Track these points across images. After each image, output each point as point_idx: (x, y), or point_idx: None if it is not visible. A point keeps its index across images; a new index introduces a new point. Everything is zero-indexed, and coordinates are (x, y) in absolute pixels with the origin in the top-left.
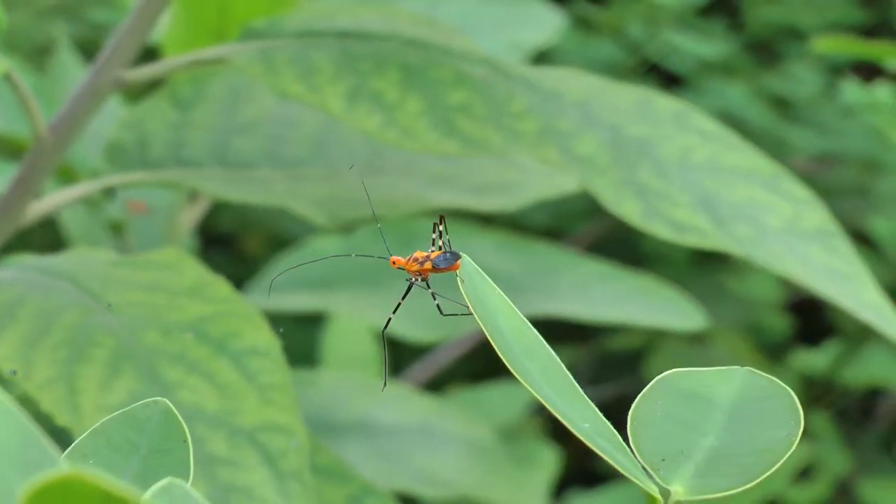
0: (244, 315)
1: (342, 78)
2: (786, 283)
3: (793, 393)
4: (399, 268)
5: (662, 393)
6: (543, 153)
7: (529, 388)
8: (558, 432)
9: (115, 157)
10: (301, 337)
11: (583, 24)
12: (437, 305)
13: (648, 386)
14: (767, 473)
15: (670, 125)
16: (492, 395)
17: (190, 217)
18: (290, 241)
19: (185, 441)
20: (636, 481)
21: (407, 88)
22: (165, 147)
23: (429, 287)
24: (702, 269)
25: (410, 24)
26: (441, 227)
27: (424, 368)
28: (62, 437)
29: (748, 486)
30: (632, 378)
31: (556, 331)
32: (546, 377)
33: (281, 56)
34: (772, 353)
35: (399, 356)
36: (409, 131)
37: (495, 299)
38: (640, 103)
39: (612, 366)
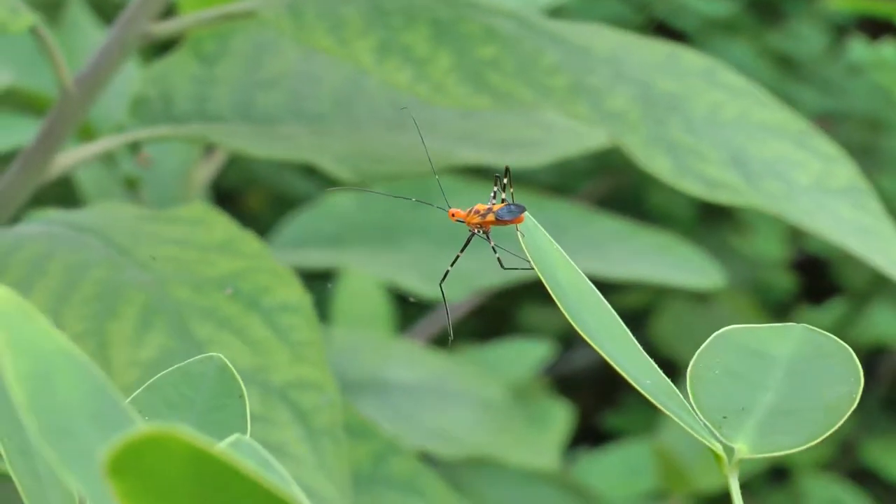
0: (274, 271)
1: (372, 32)
2: (791, 242)
3: (851, 350)
4: (458, 220)
5: (720, 349)
6: (574, 109)
7: (591, 343)
8: (566, 391)
9: (140, 111)
10: (313, 294)
11: None
12: (499, 259)
13: (706, 343)
14: (832, 430)
15: (699, 81)
16: (501, 352)
17: (204, 174)
18: (293, 199)
19: (242, 396)
20: (701, 439)
21: (436, 43)
22: (190, 102)
23: (489, 240)
24: (706, 227)
25: None
26: (505, 180)
27: (430, 325)
28: None
29: (812, 443)
30: (637, 336)
31: None
32: (605, 332)
33: (309, 9)
34: (777, 312)
35: (405, 313)
36: (439, 86)
37: (554, 254)
38: (668, 59)
39: None
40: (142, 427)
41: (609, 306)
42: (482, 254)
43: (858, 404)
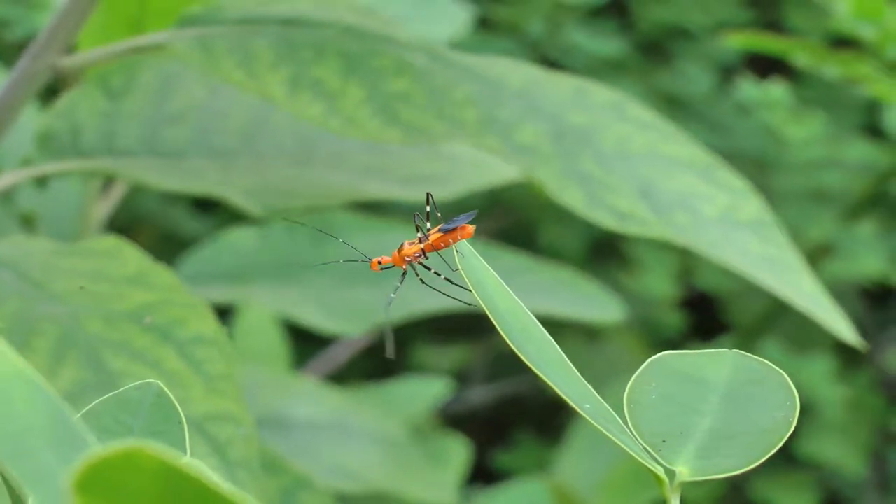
0: (188, 304)
1: (282, 65)
2: (680, 279)
3: (785, 375)
4: (384, 267)
5: (655, 374)
6: (485, 141)
7: (534, 369)
8: (457, 430)
9: (48, 145)
10: None
11: (482, 23)
12: (445, 278)
13: (641, 367)
14: (770, 454)
15: (608, 114)
16: (397, 390)
17: (101, 211)
18: (182, 239)
19: (181, 423)
20: (642, 461)
21: (348, 76)
22: (98, 136)
23: (428, 268)
24: (596, 265)
25: (348, 12)
26: (428, 208)
27: (324, 364)
28: None
29: (751, 466)
30: (527, 376)
31: (449, 328)
32: (545, 359)
33: (220, 43)
34: (667, 350)
35: (298, 351)
36: (352, 119)
37: (491, 280)
38: (577, 93)
39: (507, 364)
40: (111, 444)
41: (546, 333)
42: (383, 287)
43: None
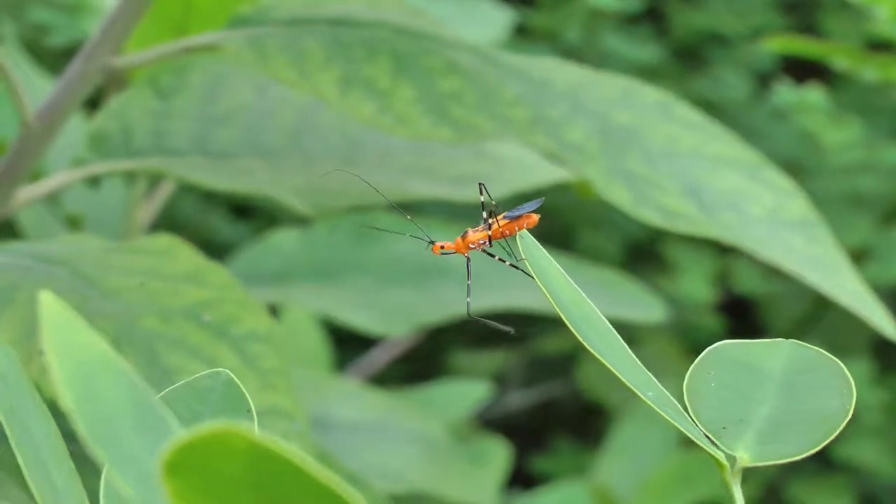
0: (242, 301)
1: (334, 64)
2: (718, 283)
3: (841, 364)
4: (445, 252)
5: (714, 364)
6: (535, 140)
7: (598, 356)
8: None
9: (99, 145)
10: None
11: (518, 30)
12: (511, 264)
13: (699, 357)
14: (827, 440)
15: (655, 114)
16: (438, 393)
17: (145, 214)
18: (219, 245)
19: (249, 410)
20: (705, 447)
21: (398, 76)
22: (148, 136)
23: (493, 255)
24: (634, 269)
25: (398, 12)
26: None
27: (363, 368)
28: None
29: (811, 452)
30: (564, 381)
31: (487, 333)
32: (608, 348)
33: (272, 42)
34: None
35: (338, 355)
36: (403, 118)
37: (553, 270)
38: (625, 93)
39: (545, 369)
40: (199, 425)
41: (608, 323)
42: (425, 288)
43: None
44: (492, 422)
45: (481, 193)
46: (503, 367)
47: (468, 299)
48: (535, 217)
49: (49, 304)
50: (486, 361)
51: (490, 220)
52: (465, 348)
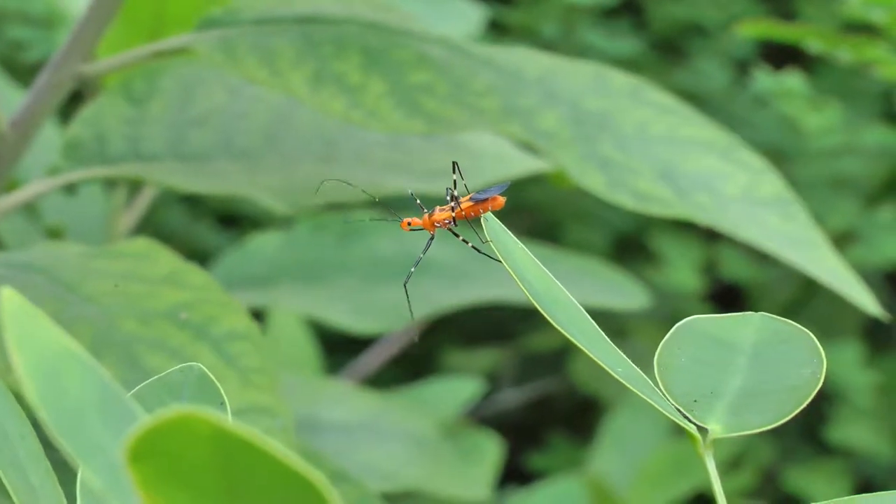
0: (221, 301)
1: (304, 62)
2: (704, 273)
3: (810, 333)
4: (413, 228)
5: (684, 339)
6: (507, 129)
7: (567, 336)
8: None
9: (74, 153)
10: None
11: (492, 27)
12: (473, 246)
13: (669, 333)
14: (799, 409)
15: (626, 99)
16: (429, 391)
17: (126, 224)
18: (204, 253)
19: (223, 403)
20: (676, 420)
21: (369, 70)
22: (123, 142)
23: (457, 235)
24: (621, 261)
25: (367, 7)
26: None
27: (355, 372)
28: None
29: (782, 421)
30: (557, 377)
31: (478, 331)
32: (576, 326)
33: (242, 43)
34: None
35: (329, 359)
36: (374, 112)
37: (518, 251)
38: (596, 79)
39: (538, 365)
40: (165, 410)
41: (574, 301)
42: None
43: (778, 433)
44: (486, 420)
45: (454, 172)
46: (496, 365)
47: (412, 269)
48: (502, 200)
49: (9, 299)
50: (480, 359)
51: (454, 201)
52: (458, 347)
